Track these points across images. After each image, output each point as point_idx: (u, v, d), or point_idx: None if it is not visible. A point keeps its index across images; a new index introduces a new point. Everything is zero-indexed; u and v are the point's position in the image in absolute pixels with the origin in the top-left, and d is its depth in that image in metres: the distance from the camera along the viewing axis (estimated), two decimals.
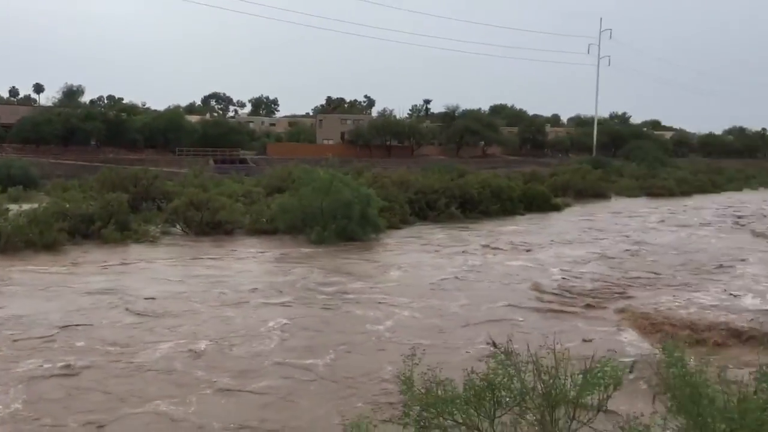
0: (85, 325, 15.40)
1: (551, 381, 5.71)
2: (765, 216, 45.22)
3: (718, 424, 4.79)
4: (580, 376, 5.75)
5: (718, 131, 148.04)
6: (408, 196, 38.49)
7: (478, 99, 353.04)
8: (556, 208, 46.02)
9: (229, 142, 78.70)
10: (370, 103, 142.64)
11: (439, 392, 5.65)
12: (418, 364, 6.06)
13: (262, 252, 27.79)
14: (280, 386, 12.08)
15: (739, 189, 71.31)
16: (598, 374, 5.63)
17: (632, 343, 15.04)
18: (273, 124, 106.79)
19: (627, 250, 29.52)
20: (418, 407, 5.65)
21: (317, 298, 19.76)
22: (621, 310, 18.10)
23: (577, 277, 23.32)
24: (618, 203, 53.38)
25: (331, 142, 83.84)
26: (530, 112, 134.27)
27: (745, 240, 33.97)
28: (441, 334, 15.72)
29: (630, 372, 6.09)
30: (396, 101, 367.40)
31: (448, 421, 5.61)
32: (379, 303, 18.94)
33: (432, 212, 38.54)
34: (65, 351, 13.41)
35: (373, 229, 31.27)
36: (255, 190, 41.73)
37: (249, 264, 25.15)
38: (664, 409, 5.52)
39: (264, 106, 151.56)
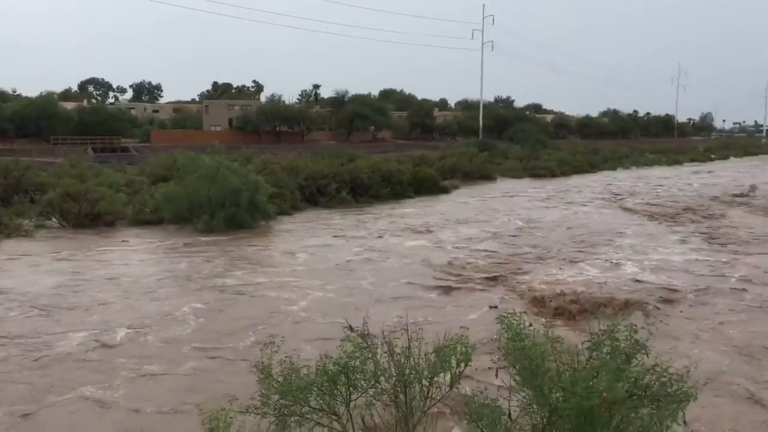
0: None
1: (404, 361, 5.73)
2: (637, 193, 48.10)
3: (555, 393, 4.89)
4: (433, 355, 5.80)
5: (594, 114, 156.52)
6: (298, 182, 38.19)
7: (367, 84, 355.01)
8: (445, 190, 47.04)
9: (108, 130, 75.07)
10: (259, 88, 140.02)
11: (296, 379, 5.59)
12: (276, 352, 5.96)
13: (150, 243, 26.70)
14: (206, 368, 11.98)
15: (613, 168, 75.37)
16: (449, 352, 5.66)
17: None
18: (156, 111, 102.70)
19: (518, 227, 30.69)
20: (276, 396, 5.58)
21: (226, 284, 19.61)
22: (510, 286, 18.83)
23: (471, 255, 24.00)
24: (503, 184, 55.20)
25: (218, 128, 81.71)
26: (419, 97, 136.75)
27: (621, 216, 36.10)
28: (358, 311, 15.99)
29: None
30: (285, 87, 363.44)
31: (305, 408, 5.57)
32: (289, 286, 18.79)
33: (323, 198, 38.45)
34: None
35: (263, 216, 30.83)
36: (138, 179, 40.06)
37: (140, 255, 24.13)
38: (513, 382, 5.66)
39: (146, 92, 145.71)
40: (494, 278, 20.15)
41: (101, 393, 10.56)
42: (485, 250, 24.88)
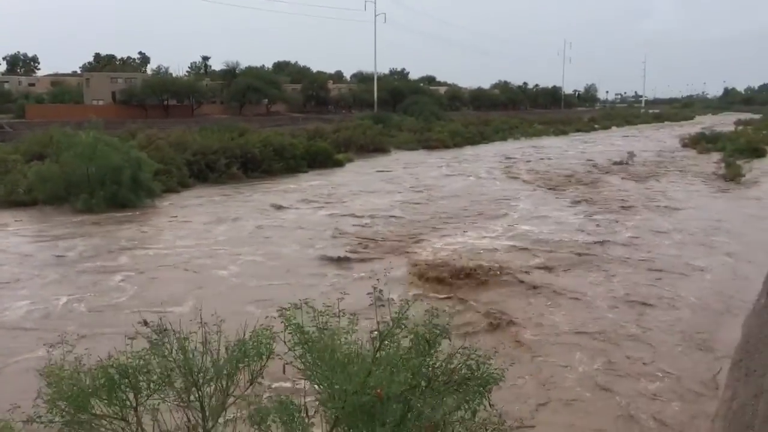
0: None
1: (199, 358, 5.20)
2: (526, 162, 49.55)
3: (337, 387, 4.55)
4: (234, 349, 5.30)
5: (486, 86, 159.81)
6: (186, 158, 36.76)
7: (261, 56, 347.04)
8: (339, 164, 46.72)
9: None
10: (145, 60, 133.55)
11: (78, 383, 4.91)
12: (71, 351, 5.28)
13: (21, 225, 25.06)
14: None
15: (504, 139, 77.35)
16: (249, 346, 5.19)
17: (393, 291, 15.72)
18: (33, 84, 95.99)
19: (410, 199, 30.88)
20: (63, 402, 4.90)
21: (148, 255, 19.83)
22: (404, 257, 18.90)
23: (364, 226, 24.00)
24: (398, 156, 55.48)
25: (101, 102, 77.37)
26: (314, 69, 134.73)
27: (511, 184, 37.15)
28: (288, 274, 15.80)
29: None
30: (173, 59, 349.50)
31: (85, 416, 4.92)
32: (163, 267, 18.06)
33: (213, 173, 37.25)
34: None
35: (148, 194, 29.52)
36: (11, 157, 37.34)
37: (9, 239, 22.60)
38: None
39: (22, 64, 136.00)
40: (383, 249, 20.23)
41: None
42: (378, 221, 24.93)
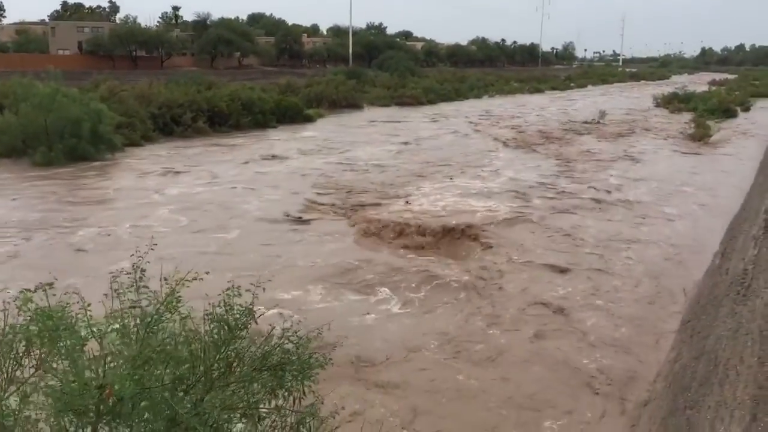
0: None
1: None
2: (499, 120, 49.21)
3: (67, 384, 3.82)
4: None
5: (464, 42, 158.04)
6: (150, 111, 35.93)
7: (234, 7, 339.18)
8: (309, 119, 46.02)
9: None
10: (114, 9, 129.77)
11: None
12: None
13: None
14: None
15: (479, 96, 76.73)
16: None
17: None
18: None
19: (376, 158, 30.48)
20: None
21: (144, 202, 20.36)
22: (361, 216, 18.70)
23: (325, 187, 23.61)
24: (370, 113, 54.80)
25: (67, 52, 75.06)
26: (290, 22, 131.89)
27: (481, 142, 36.90)
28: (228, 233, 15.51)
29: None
30: (144, 8, 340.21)
31: None
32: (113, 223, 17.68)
33: (178, 127, 36.46)
34: None
35: (108, 147, 28.84)
36: None
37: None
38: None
39: None
40: (347, 208, 20.01)
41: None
42: (341, 177, 24.64)
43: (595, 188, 23.76)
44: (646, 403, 8.96)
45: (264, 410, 4.32)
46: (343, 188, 23.03)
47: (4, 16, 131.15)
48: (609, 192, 23.31)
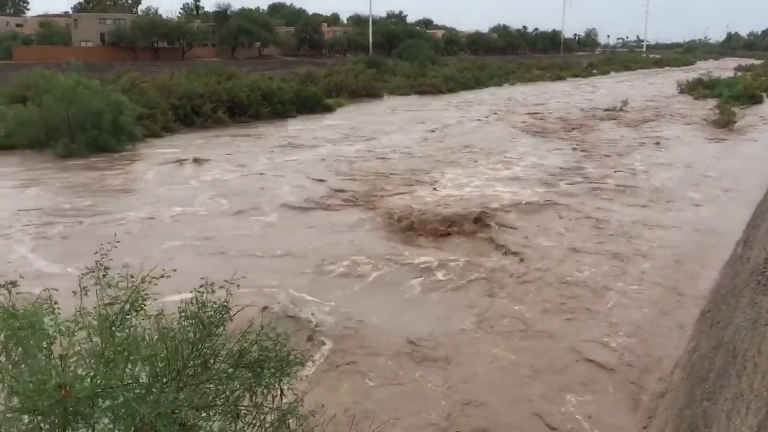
0: None
1: None
2: (519, 108, 48.83)
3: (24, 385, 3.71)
4: None
5: (484, 30, 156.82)
6: (171, 102, 36.15)
7: None
8: (329, 108, 45.96)
9: None
10: (137, 1, 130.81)
11: None
12: None
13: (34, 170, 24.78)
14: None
15: (499, 84, 76.11)
16: None
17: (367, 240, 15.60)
18: (20, 25, 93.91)
19: (395, 147, 30.41)
20: None
21: (180, 187, 19.98)
22: (376, 205, 18.72)
23: (348, 176, 23.66)
24: (389, 102, 54.62)
25: (90, 44, 75.79)
26: (310, 11, 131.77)
27: (502, 130, 36.61)
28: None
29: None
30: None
31: None
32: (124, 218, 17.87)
33: (199, 118, 36.64)
34: None
35: (129, 138, 29.08)
36: None
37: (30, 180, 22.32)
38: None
39: (11, 4, 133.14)
40: (362, 198, 20.04)
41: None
42: (365, 169, 24.63)
43: (619, 173, 23.76)
44: (663, 394, 8.87)
45: (243, 408, 4.28)
46: (370, 174, 23.16)
47: (28, 9, 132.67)
48: (634, 175, 23.28)
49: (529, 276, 13.32)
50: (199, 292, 4.28)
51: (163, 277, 4.24)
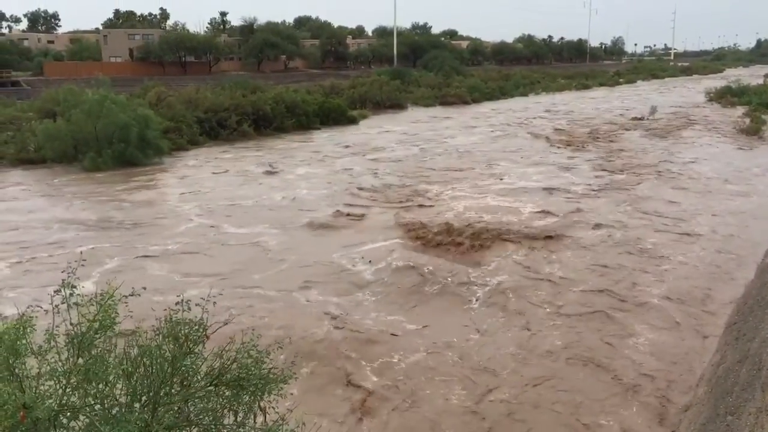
0: None
1: None
2: (543, 119, 48.55)
3: None
4: None
5: (509, 40, 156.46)
6: (197, 116, 36.56)
7: (282, 12, 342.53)
8: (353, 120, 46.11)
9: None
10: (165, 16, 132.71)
11: None
12: None
13: (24, 184, 25.18)
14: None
15: (525, 95, 75.70)
16: None
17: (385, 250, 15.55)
18: (52, 42, 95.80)
19: (418, 155, 30.43)
20: None
21: (144, 214, 18.79)
22: (406, 215, 18.68)
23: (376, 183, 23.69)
24: (414, 113, 54.58)
25: (119, 59, 77.17)
26: (336, 24, 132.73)
27: (526, 141, 36.37)
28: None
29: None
30: (195, 14, 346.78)
31: None
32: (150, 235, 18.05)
33: (224, 131, 36.98)
34: None
35: (155, 151, 29.45)
36: (25, 115, 37.46)
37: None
38: None
39: (43, 21, 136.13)
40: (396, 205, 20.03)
41: None
42: (385, 181, 24.65)
43: (649, 180, 23.54)
44: (687, 408, 8.69)
45: (224, 427, 4.21)
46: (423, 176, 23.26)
47: (60, 26, 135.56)
48: (661, 182, 22.84)
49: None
50: (173, 310, 4.23)
51: (132, 295, 4.21)
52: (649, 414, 8.82)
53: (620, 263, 14.76)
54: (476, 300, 12.75)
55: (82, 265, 4.74)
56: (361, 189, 23.14)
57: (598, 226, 17.85)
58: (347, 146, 34.44)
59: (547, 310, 12.27)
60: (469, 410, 8.91)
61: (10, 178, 26.35)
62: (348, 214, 19.39)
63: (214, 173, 27.09)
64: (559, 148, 33.39)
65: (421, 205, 20.32)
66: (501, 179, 24.85)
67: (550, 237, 16.55)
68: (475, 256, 15.20)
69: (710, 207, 20.28)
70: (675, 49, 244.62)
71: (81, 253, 11.42)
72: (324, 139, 37.91)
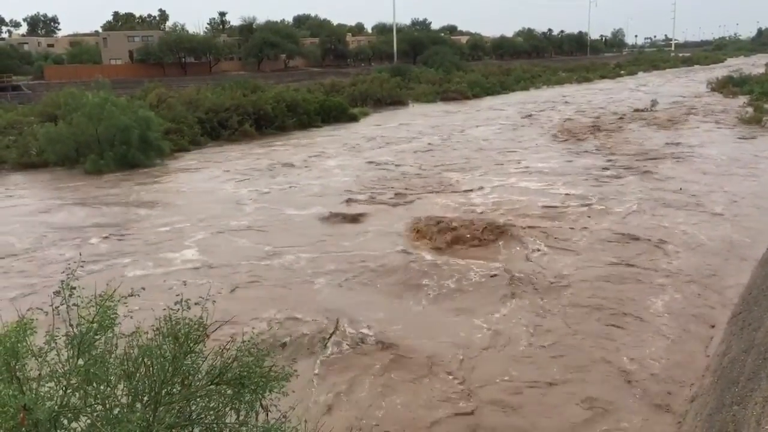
0: None
1: None
2: (541, 113, 48.46)
3: None
4: None
5: (509, 34, 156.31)
6: (198, 116, 36.55)
7: (282, 10, 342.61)
8: (354, 118, 46.06)
9: None
10: (164, 17, 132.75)
11: None
12: None
13: (26, 188, 25.22)
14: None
15: (526, 89, 75.57)
16: None
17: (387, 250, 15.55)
18: (51, 45, 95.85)
19: (421, 151, 30.39)
20: None
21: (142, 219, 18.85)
22: (407, 209, 18.66)
23: (378, 182, 23.68)
24: (415, 109, 54.45)
25: (119, 61, 77.21)
26: (335, 22, 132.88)
27: (531, 134, 36.31)
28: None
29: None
30: (194, 15, 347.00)
31: None
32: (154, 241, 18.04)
33: (225, 131, 36.99)
34: None
35: (157, 153, 29.45)
36: (26, 119, 37.51)
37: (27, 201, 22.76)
38: None
39: (42, 25, 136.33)
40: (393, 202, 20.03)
41: None
42: (390, 176, 24.64)
43: (648, 170, 23.52)
44: (694, 398, 8.67)
45: (226, 426, 4.20)
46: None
47: (59, 29, 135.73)
48: (664, 176, 22.76)
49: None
50: (172, 310, 4.22)
51: (132, 296, 4.21)
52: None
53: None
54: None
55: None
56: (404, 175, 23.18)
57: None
58: (360, 142, 34.40)
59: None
60: None
61: (12, 181, 26.40)
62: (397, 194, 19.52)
63: (235, 168, 27.07)
64: (563, 140, 33.35)
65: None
66: (519, 163, 25.16)
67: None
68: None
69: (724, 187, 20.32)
70: (676, 39, 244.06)
71: (80, 254, 11.37)
72: (336, 133, 37.92)
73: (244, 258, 15.21)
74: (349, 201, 20.69)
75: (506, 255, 14.93)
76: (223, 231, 17.80)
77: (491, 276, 13.45)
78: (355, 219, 18.51)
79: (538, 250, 15.21)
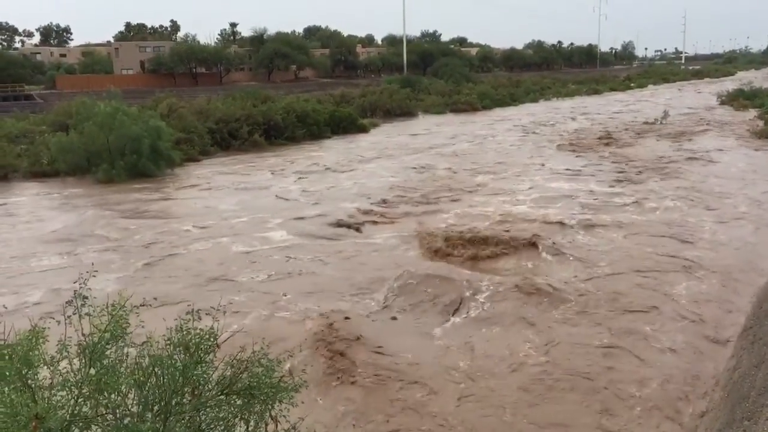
0: None
1: None
2: (554, 125, 48.41)
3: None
4: None
5: (519, 46, 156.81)
6: (208, 126, 36.76)
7: (293, 21, 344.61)
8: (363, 129, 46.15)
9: (9, 77, 70.73)
10: (176, 28, 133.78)
11: None
12: None
13: (37, 196, 25.38)
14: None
15: (535, 101, 75.52)
16: None
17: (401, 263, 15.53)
18: (64, 55, 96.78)
19: (428, 165, 30.41)
20: None
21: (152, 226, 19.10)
22: (418, 231, 18.65)
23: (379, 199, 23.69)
24: (424, 121, 54.51)
25: (130, 71, 77.85)
26: (346, 33, 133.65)
27: (539, 146, 36.27)
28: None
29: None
30: (205, 26, 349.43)
31: None
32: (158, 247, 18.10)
33: (235, 141, 37.16)
34: None
35: (168, 163, 29.58)
36: (38, 128, 37.82)
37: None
38: None
39: (55, 35, 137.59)
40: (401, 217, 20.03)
41: None
42: (394, 191, 24.64)
43: (659, 182, 23.31)
44: (704, 413, 8.60)
45: None
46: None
47: (71, 39, 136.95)
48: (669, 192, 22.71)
49: None
50: (183, 320, 4.24)
51: (143, 305, 4.22)
52: None
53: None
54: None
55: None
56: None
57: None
58: (365, 153, 34.46)
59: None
60: None
61: (23, 191, 26.55)
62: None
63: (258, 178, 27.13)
64: (577, 152, 33.33)
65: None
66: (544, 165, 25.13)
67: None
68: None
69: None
70: (686, 52, 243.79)
71: (92, 264, 11.47)
72: (347, 144, 38.01)
73: (253, 266, 15.25)
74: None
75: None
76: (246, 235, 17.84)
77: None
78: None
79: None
